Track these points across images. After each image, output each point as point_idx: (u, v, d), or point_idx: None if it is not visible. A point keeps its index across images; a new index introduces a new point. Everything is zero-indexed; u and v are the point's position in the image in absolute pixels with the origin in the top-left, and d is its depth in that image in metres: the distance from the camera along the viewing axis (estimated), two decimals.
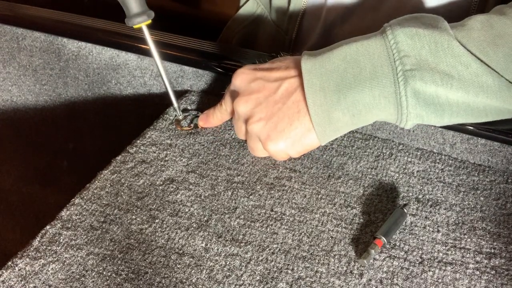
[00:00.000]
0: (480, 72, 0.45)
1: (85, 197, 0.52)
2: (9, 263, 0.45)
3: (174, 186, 0.53)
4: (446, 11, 0.60)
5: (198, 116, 0.62)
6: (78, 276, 0.45)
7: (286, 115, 0.50)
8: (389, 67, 0.46)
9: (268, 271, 0.45)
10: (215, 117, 0.59)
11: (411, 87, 0.45)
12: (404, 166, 0.56)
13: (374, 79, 0.46)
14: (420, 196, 0.52)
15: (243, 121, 0.52)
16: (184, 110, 0.63)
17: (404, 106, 0.46)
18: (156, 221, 0.49)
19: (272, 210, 0.51)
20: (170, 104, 0.64)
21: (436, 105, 0.46)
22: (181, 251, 0.47)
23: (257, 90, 0.51)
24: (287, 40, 0.72)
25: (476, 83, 0.45)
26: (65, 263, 0.45)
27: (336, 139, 0.59)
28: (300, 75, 0.49)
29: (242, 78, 0.52)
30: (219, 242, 0.48)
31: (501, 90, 0.45)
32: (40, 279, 0.44)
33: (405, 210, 0.49)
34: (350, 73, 0.47)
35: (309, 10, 0.69)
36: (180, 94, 0.67)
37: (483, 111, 0.47)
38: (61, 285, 0.44)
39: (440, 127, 0.56)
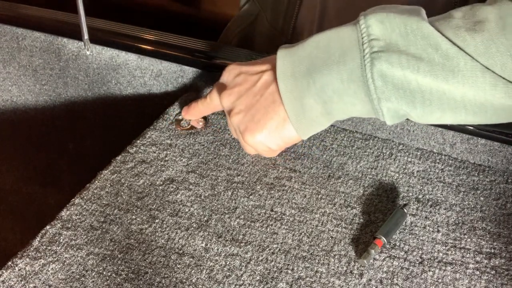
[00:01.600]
0: (451, 54, 0.43)
1: (85, 197, 0.52)
2: (9, 263, 0.45)
3: (174, 186, 0.53)
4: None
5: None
6: (78, 276, 0.45)
7: (262, 106, 0.50)
8: (357, 51, 0.45)
9: (268, 271, 0.45)
10: (196, 110, 0.58)
11: (377, 69, 0.44)
12: (404, 166, 0.56)
13: (341, 62, 0.46)
14: (420, 196, 0.52)
15: (225, 108, 0.53)
16: None
17: (372, 90, 0.45)
18: (156, 221, 0.49)
19: (272, 210, 0.51)
20: (170, 103, 0.64)
21: (406, 91, 0.44)
22: (181, 251, 0.47)
23: (239, 83, 0.52)
24: (283, 40, 0.72)
25: (447, 67, 0.43)
26: (65, 263, 0.45)
27: (336, 139, 0.59)
28: (275, 68, 0.50)
29: (229, 73, 0.53)
30: (219, 242, 0.48)
31: (474, 74, 0.42)
32: (40, 279, 0.44)
33: (405, 210, 0.49)
34: (320, 58, 0.47)
35: (303, 11, 0.70)
36: (180, 94, 0.67)
37: (461, 102, 0.44)
38: (61, 285, 0.44)
39: (440, 127, 0.56)
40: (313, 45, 0.47)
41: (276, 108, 0.50)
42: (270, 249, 0.47)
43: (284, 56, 0.49)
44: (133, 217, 0.50)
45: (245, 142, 0.52)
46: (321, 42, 0.47)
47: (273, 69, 0.50)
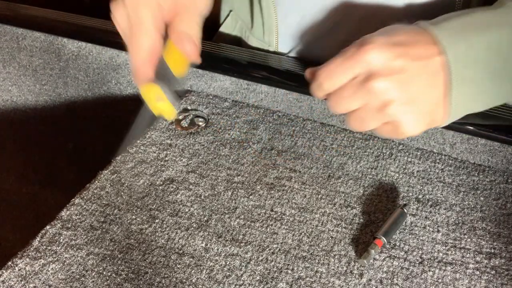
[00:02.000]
0: None
1: (85, 197, 0.52)
2: (9, 263, 0.45)
3: (174, 186, 0.53)
4: (430, 9, 0.60)
5: (198, 116, 0.62)
6: (78, 276, 0.45)
7: (428, 101, 0.46)
8: None
9: (268, 271, 0.45)
10: (340, 106, 0.49)
11: None
12: (404, 166, 0.56)
13: None
14: (420, 196, 0.52)
15: (376, 98, 0.46)
16: (184, 110, 0.63)
17: None
18: (156, 221, 0.49)
19: (272, 210, 0.51)
20: None
21: None
22: (181, 251, 0.47)
23: (398, 70, 0.46)
24: (271, 50, 0.72)
25: None
26: (65, 263, 0.45)
27: (336, 139, 0.59)
28: (441, 53, 0.46)
29: (380, 55, 0.46)
30: (219, 242, 0.48)
31: None
32: (40, 279, 0.44)
33: (405, 210, 0.49)
34: (494, 64, 0.46)
35: (283, 23, 0.69)
36: (180, 94, 0.67)
37: None
38: (61, 285, 0.44)
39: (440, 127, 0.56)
40: (483, 46, 0.46)
41: (440, 106, 0.46)
42: (270, 249, 0.47)
43: (457, 59, 0.45)
44: (133, 217, 0.50)
45: (399, 133, 0.47)
46: (492, 44, 0.45)
47: (437, 56, 0.46)
